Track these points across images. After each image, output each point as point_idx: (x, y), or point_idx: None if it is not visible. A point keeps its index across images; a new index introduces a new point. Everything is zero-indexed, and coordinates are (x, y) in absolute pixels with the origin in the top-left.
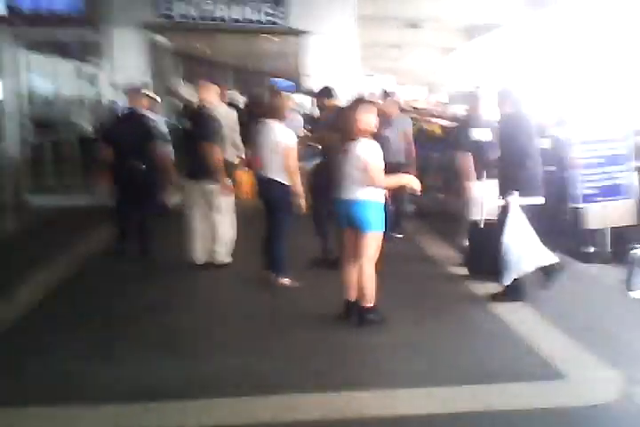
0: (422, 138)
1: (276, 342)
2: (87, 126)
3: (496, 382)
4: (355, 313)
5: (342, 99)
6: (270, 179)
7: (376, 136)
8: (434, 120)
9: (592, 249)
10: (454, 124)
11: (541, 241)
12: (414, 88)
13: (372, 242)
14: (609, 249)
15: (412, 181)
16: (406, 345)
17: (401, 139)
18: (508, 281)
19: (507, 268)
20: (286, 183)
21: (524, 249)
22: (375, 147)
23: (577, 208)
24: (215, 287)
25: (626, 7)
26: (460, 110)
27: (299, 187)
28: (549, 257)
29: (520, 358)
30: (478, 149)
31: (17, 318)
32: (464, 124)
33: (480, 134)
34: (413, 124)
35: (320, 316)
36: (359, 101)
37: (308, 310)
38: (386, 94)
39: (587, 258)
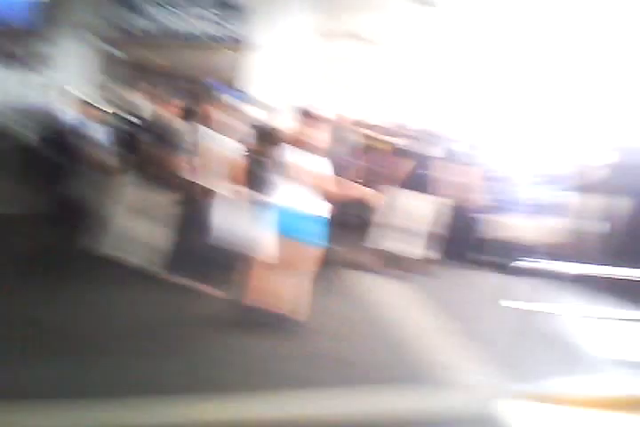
0: (370, 154)
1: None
2: (29, 134)
3: (376, 386)
4: (273, 320)
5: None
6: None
7: (323, 151)
8: (381, 137)
9: (485, 257)
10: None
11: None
12: (360, 100)
13: (310, 254)
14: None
15: (373, 195)
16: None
17: (347, 154)
18: None
19: None
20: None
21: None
22: (324, 161)
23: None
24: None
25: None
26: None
27: None
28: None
29: (402, 363)
30: None
31: None
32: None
33: None
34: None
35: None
36: (304, 115)
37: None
38: (332, 108)
39: (480, 265)
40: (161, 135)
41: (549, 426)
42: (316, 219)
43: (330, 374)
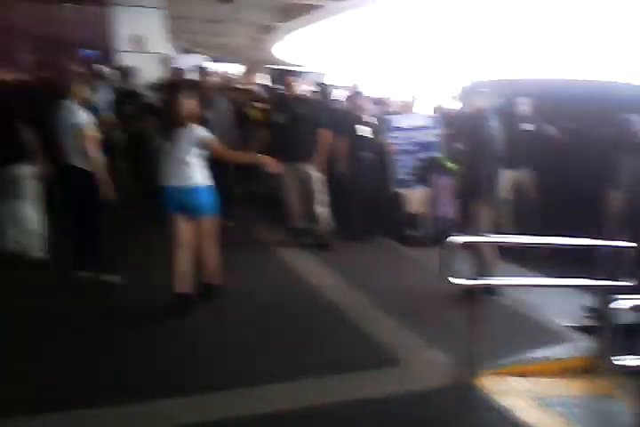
0: (243, 121)
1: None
2: None
3: (334, 373)
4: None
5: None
6: (71, 165)
7: (198, 119)
8: (256, 104)
9: (413, 233)
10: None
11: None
12: (232, 66)
13: (212, 225)
14: (430, 232)
15: (269, 161)
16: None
17: (223, 121)
18: None
19: None
20: (89, 170)
21: None
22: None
23: (398, 193)
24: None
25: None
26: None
27: (101, 172)
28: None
29: (355, 346)
30: None
31: None
32: None
33: None
34: (235, 106)
35: (152, 311)
36: (180, 85)
37: (138, 307)
38: (204, 72)
39: (408, 241)
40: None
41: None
42: (212, 189)
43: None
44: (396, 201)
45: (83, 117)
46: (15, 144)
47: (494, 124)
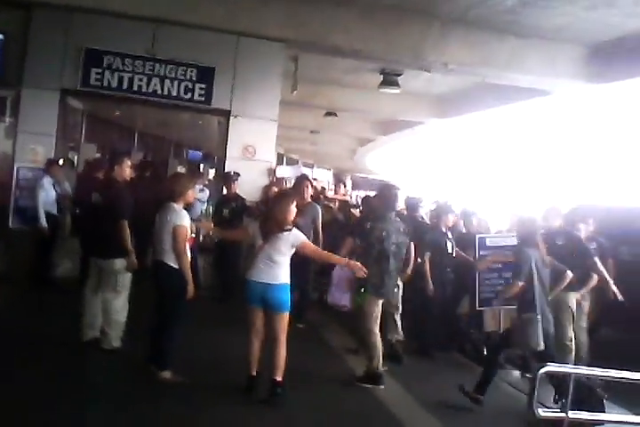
0: (334, 227)
1: None
2: None
3: None
4: (257, 387)
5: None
6: (161, 261)
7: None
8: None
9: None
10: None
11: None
12: (322, 171)
13: (285, 321)
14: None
15: (354, 265)
16: None
17: (309, 226)
18: None
19: None
20: (176, 266)
21: None
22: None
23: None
24: (95, 376)
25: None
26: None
27: (187, 271)
28: None
29: None
30: None
31: None
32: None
33: None
34: (325, 213)
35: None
36: (290, 193)
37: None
38: (304, 181)
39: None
40: (118, 200)
41: None
42: (285, 288)
43: None
44: (478, 319)
45: (183, 219)
46: (117, 241)
47: None
